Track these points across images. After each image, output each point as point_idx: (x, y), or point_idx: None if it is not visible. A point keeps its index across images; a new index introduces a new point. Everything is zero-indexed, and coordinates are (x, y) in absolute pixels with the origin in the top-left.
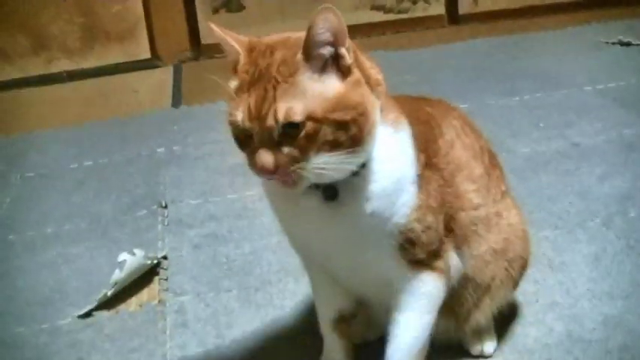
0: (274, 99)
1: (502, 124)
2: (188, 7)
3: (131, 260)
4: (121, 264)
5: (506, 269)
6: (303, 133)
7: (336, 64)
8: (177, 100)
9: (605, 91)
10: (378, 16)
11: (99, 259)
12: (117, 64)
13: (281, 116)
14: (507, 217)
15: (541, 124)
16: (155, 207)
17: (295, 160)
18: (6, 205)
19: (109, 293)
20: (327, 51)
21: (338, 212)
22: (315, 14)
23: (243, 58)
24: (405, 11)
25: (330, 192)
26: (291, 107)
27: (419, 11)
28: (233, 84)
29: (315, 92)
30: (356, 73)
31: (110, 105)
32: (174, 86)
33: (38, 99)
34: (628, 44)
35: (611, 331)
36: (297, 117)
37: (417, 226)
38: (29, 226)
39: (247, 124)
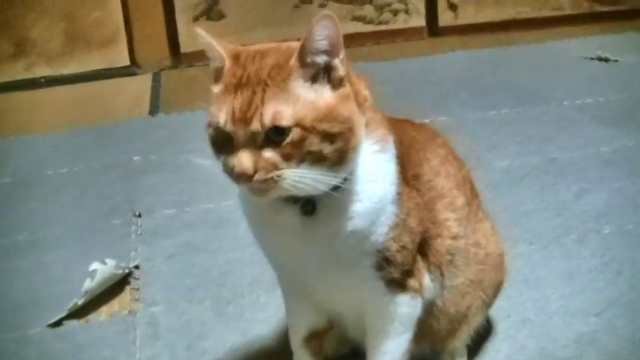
0: (262, 102)
1: (480, 138)
2: (168, 15)
3: (102, 269)
4: (92, 273)
5: (481, 297)
6: (288, 140)
7: (327, 75)
8: (155, 108)
9: (584, 106)
10: (359, 27)
11: (72, 268)
12: (96, 71)
13: (267, 120)
14: (485, 247)
15: (518, 139)
16: (130, 216)
17: (275, 167)
18: None
19: (80, 302)
20: (321, 60)
21: (315, 229)
22: (315, 20)
23: (229, 63)
24: (386, 22)
25: (308, 207)
26: (280, 112)
27: (399, 23)
28: (216, 88)
29: (306, 100)
30: (347, 87)
31: (88, 112)
32: (152, 94)
33: (16, 105)
34: (606, 60)
35: (584, 348)
36: (285, 122)
37: (393, 245)
38: (3, 233)
39: (229, 126)
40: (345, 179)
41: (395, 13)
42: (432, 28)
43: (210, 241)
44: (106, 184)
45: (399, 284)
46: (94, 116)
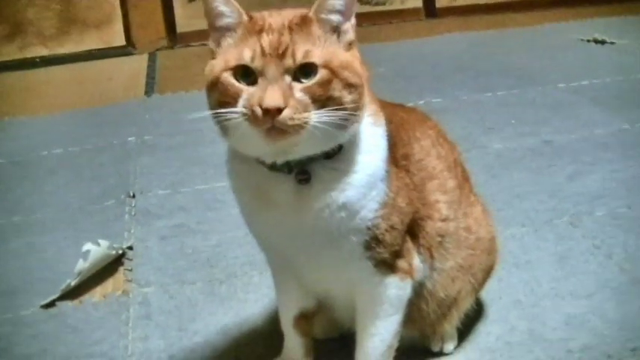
0: (292, 41)
1: (475, 120)
2: None
3: (95, 250)
4: (85, 254)
5: (471, 282)
6: (317, 79)
7: (338, 37)
8: (150, 89)
9: (580, 89)
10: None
11: (66, 249)
12: (92, 51)
13: (300, 55)
14: (476, 232)
15: (513, 121)
16: (124, 197)
17: (303, 108)
18: None
19: (73, 283)
20: (335, 18)
21: (308, 199)
22: None
23: (247, 16)
24: (383, 3)
25: (303, 175)
26: (310, 50)
27: (396, 4)
28: (229, 39)
29: (329, 47)
30: (355, 51)
31: (84, 92)
32: (148, 74)
33: (11, 85)
34: (603, 42)
35: (574, 330)
36: (316, 59)
37: (382, 224)
38: None
39: (258, 61)
40: (341, 147)
41: None
42: (429, 9)
43: (203, 222)
44: (101, 165)
45: (388, 265)
46: (89, 97)
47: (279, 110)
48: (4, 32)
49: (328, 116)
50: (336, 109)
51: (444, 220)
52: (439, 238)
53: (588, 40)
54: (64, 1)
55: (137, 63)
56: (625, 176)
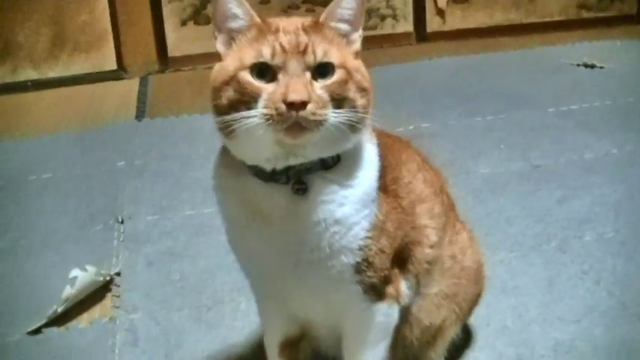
0: (310, 40)
1: (464, 145)
2: (156, 19)
3: (82, 276)
4: (72, 280)
5: (455, 311)
6: (335, 78)
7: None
8: (141, 113)
9: (568, 113)
10: None
11: (53, 275)
12: (83, 75)
13: (320, 53)
14: (461, 261)
15: (502, 146)
16: (112, 222)
17: (324, 105)
18: None
19: (60, 310)
20: (344, 27)
21: (304, 212)
22: None
23: (258, 19)
24: (374, 28)
25: (300, 185)
26: (329, 50)
27: (387, 28)
28: (242, 40)
29: (343, 49)
30: (360, 61)
31: (74, 116)
32: (139, 99)
33: (1, 108)
34: (592, 66)
35: (562, 356)
36: (334, 59)
37: (373, 246)
38: None
39: (279, 58)
40: (339, 159)
41: (382, 18)
42: (420, 33)
43: (191, 247)
44: (90, 189)
45: (377, 291)
46: (79, 120)
47: (303, 104)
48: None
49: (345, 116)
50: (350, 111)
51: (432, 246)
52: (427, 265)
53: (578, 64)
54: (56, 24)
55: (128, 87)
56: (613, 200)
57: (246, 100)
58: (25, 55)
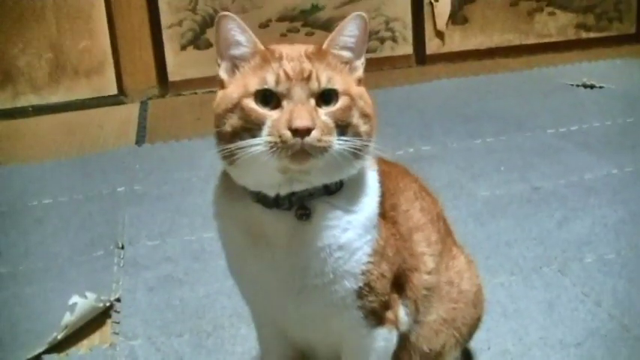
0: (314, 67)
1: (464, 167)
2: (156, 44)
3: (82, 303)
4: (72, 307)
5: (454, 336)
6: (339, 105)
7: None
8: (141, 138)
9: (568, 134)
10: None
11: (53, 301)
12: (83, 100)
13: (324, 80)
14: (458, 285)
15: (502, 168)
16: (112, 247)
17: (328, 131)
18: None
19: (59, 336)
20: (346, 54)
21: (307, 237)
22: (348, 17)
23: (261, 46)
24: (373, 50)
25: (304, 211)
26: (332, 77)
27: (387, 50)
28: (245, 67)
29: (346, 76)
30: (364, 90)
31: (75, 141)
32: (139, 123)
33: (2, 133)
34: (592, 87)
35: None
36: (338, 86)
37: (374, 271)
38: None
39: (283, 85)
40: (342, 184)
41: (382, 40)
42: (420, 55)
43: (191, 272)
44: (90, 214)
45: (377, 316)
46: (79, 145)
47: (308, 131)
48: None
49: (349, 143)
50: (354, 137)
51: (429, 272)
52: (425, 291)
53: (577, 85)
54: (56, 49)
55: (128, 111)
56: (613, 221)
57: (250, 127)
58: (26, 81)
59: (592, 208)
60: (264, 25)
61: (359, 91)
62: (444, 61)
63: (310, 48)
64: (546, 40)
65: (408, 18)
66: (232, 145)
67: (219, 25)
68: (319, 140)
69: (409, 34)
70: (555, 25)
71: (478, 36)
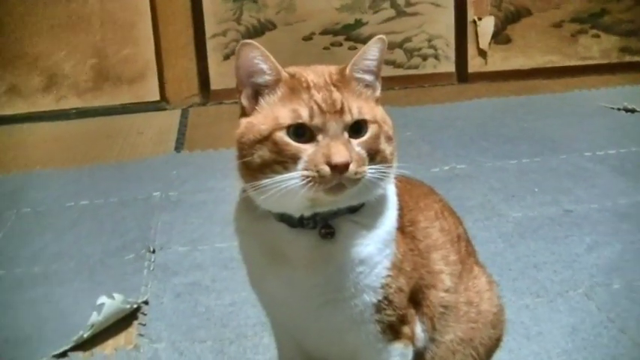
0: (342, 97)
1: (497, 188)
2: (199, 53)
3: (109, 304)
4: (99, 307)
5: (472, 355)
6: (370, 134)
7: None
8: (180, 145)
9: (605, 157)
10: (388, 71)
11: (81, 301)
12: (125, 105)
13: (356, 112)
14: (478, 305)
15: (536, 189)
16: (144, 251)
17: (363, 162)
18: None
19: (86, 335)
20: (368, 78)
21: (330, 254)
22: (371, 41)
23: (285, 74)
24: (415, 67)
25: (328, 229)
26: (361, 107)
27: (429, 68)
28: (270, 98)
29: (370, 102)
30: (383, 110)
31: (114, 145)
32: (179, 130)
33: (44, 136)
34: (633, 111)
35: None
36: (367, 115)
37: (393, 284)
38: (19, 263)
39: (318, 119)
40: (363, 204)
41: (424, 58)
42: (462, 73)
43: (218, 280)
44: (124, 218)
45: (394, 331)
46: (119, 150)
47: (346, 166)
48: (41, 84)
49: (380, 171)
50: (382, 163)
51: (446, 290)
52: (442, 309)
53: (618, 109)
54: (100, 55)
55: (169, 118)
56: None
57: (283, 160)
58: (70, 85)
59: (623, 233)
60: (307, 38)
61: (382, 114)
62: (486, 80)
63: (334, 73)
64: (589, 62)
65: (451, 36)
66: (269, 181)
67: (242, 53)
68: (356, 173)
69: (452, 52)
70: (599, 47)
71: (520, 56)
